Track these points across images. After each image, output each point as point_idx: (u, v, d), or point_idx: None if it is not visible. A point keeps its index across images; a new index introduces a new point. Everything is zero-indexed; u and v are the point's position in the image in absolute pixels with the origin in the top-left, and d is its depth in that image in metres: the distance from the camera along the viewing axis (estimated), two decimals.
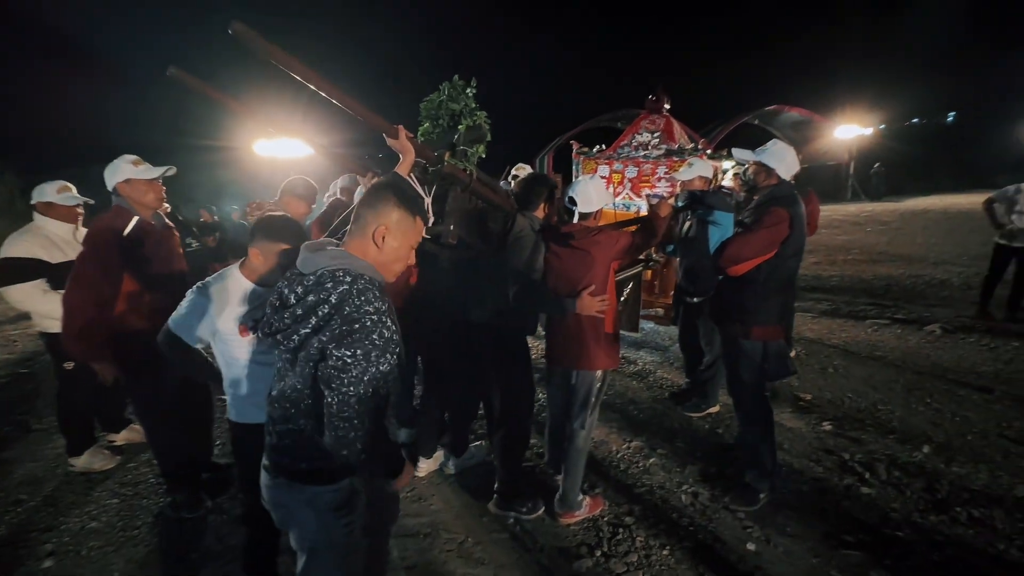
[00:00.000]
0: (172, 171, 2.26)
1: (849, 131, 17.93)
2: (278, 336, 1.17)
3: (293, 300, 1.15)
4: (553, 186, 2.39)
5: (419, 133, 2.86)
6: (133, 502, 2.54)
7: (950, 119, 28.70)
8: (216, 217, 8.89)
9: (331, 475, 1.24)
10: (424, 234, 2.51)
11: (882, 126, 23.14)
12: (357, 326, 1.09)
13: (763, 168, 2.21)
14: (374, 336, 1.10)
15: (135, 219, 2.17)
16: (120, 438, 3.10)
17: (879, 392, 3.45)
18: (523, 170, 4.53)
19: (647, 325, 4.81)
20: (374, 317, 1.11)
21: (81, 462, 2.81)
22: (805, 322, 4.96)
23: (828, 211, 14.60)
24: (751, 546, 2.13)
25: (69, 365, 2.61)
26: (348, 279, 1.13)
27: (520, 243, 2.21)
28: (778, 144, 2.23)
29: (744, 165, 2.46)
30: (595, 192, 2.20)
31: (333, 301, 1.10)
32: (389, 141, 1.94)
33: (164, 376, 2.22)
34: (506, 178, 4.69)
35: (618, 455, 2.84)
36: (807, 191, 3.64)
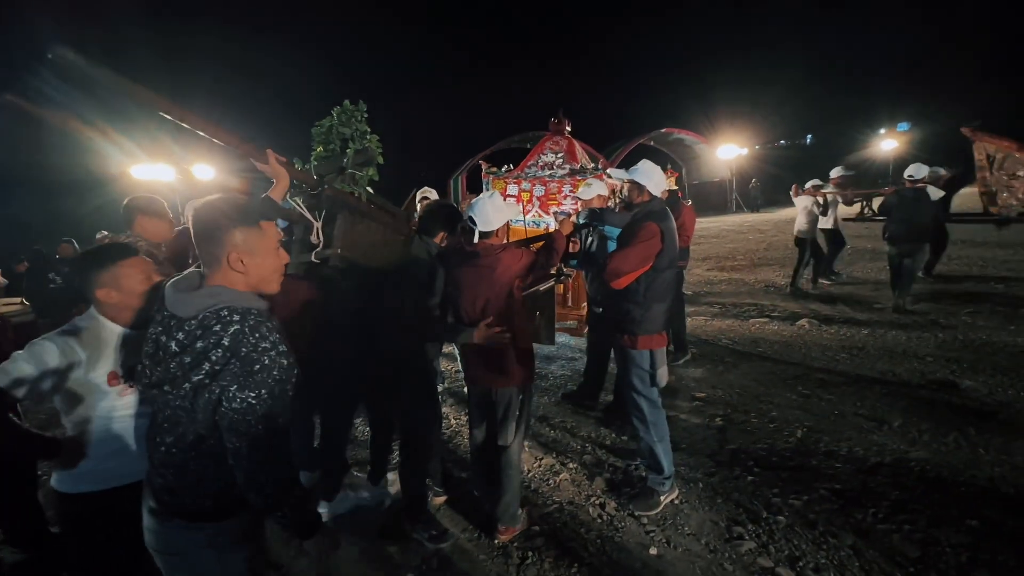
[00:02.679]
0: None
1: (730, 151, 20.28)
2: (164, 387, 1.09)
3: (175, 348, 1.06)
4: (452, 214, 2.38)
5: (312, 157, 2.77)
6: None
7: (809, 140, 33.61)
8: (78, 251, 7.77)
9: (235, 506, 1.16)
10: (314, 258, 2.41)
11: (757, 147, 26.38)
12: (258, 367, 1.05)
13: (635, 186, 2.36)
14: (275, 372, 1.07)
15: None
16: None
17: (762, 385, 3.80)
18: (430, 194, 4.53)
19: (561, 338, 4.93)
20: (271, 353, 1.08)
21: None
22: (700, 325, 5.38)
23: (716, 222, 16.22)
24: (653, 551, 2.19)
25: None
26: (236, 317, 1.06)
27: (414, 268, 2.15)
28: (647, 163, 2.40)
29: (621, 183, 2.62)
30: (493, 210, 2.21)
31: (226, 344, 1.04)
32: (259, 166, 1.84)
33: None
34: (413, 201, 4.64)
35: (529, 474, 2.82)
36: (680, 204, 3.98)
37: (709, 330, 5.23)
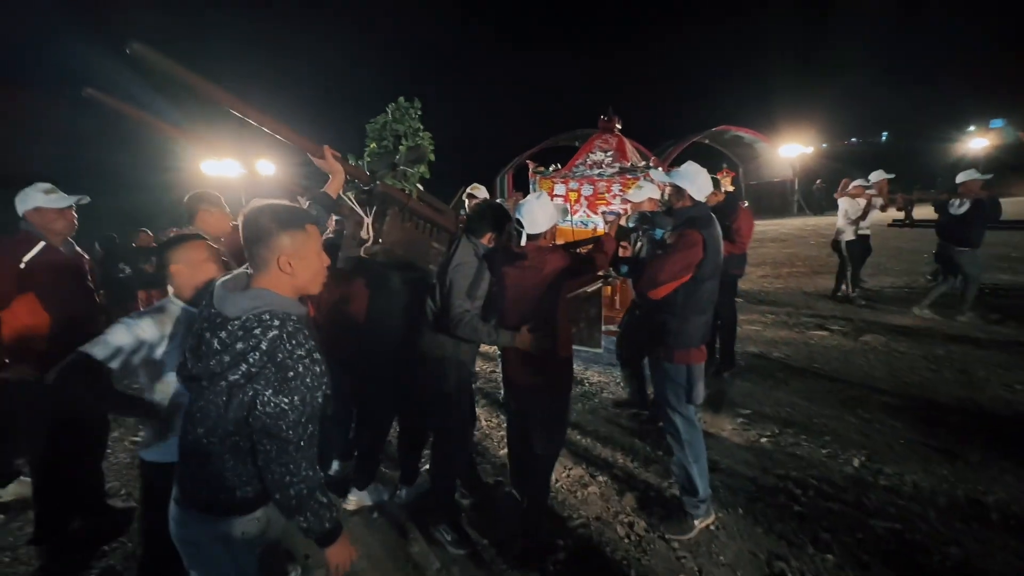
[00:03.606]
0: (85, 200, 2.34)
1: (792, 150, 19.05)
2: (202, 381, 1.14)
3: (217, 346, 1.11)
4: (501, 214, 2.32)
5: (366, 154, 2.87)
6: (8, 570, 2.25)
7: (883, 138, 30.99)
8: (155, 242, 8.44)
9: (249, 504, 1.20)
10: (363, 253, 2.47)
11: (823, 145, 24.67)
12: (291, 373, 1.09)
13: (676, 189, 2.22)
14: (307, 379, 1.12)
15: (40, 244, 2.22)
16: (8, 493, 2.78)
17: (816, 404, 3.51)
18: (478, 190, 4.44)
19: (608, 341, 4.81)
20: (306, 361, 1.12)
21: None
22: (751, 335, 5.07)
23: (775, 225, 15.30)
24: None
25: None
26: (276, 323, 1.11)
27: (461, 269, 2.14)
28: (691, 165, 2.25)
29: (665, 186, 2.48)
30: (541, 212, 2.16)
31: (264, 348, 1.09)
32: (316, 161, 1.90)
33: (59, 407, 2.19)
34: (460, 199, 4.62)
35: (556, 484, 2.74)
36: (738, 207, 3.74)
37: (760, 341, 4.91)
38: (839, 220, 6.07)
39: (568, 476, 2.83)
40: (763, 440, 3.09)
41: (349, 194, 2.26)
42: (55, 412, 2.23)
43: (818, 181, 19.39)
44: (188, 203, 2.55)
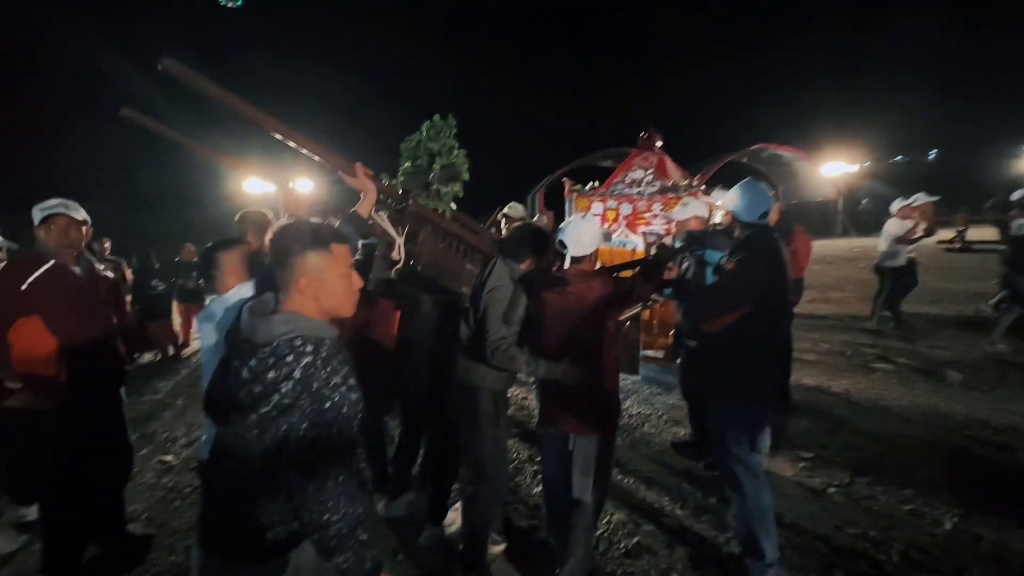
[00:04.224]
0: (79, 214, 2.19)
1: (836, 168, 18.30)
2: (230, 414, 1.05)
3: (247, 375, 1.04)
4: (544, 241, 2.16)
5: (400, 172, 2.79)
6: None
7: (931, 156, 29.56)
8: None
9: (280, 547, 1.10)
10: (393, 275, 2.34)
11: (867, 163, 23.67)
12: (328, 404, 1.03)
13: (730, 214, 2.01)
14: (344, 409, 1.06)
15: (49, 263, 2.09)
16: (32, 513, 2.72)
17: (888, 451, 3.12)
18: (514, 210, 4.31)
19: (646, 368, 4.52)
20: (342, 389, 1.06)
21: None
22: (803, 367, 4.66)
23: (820, 246, 14.57)
24: None
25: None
26: (310, 348, 1.04)
27: (496, 293, 1.97)
28: (744, 185, 2.03)
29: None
30: (587, 234, 1.99)
31: (298, 377, 1.01)
32: (347, 180, 1.82)
33: (70, 427, 2.10)
34: (496, 219, 4.49)
35: (597, 531, 2.47)
36: (793, 228, 3.45)
37: (816, 373, 4.51)
38: (882, 243, 5.61)
39: (609, 523, 2.55)
40: (831, 490, 2.73)
41: (382, 213, 2.18)
42: (72, 438, 2.13)
43: (864, 200, 18.53)
44: (238, 221, 2.55)
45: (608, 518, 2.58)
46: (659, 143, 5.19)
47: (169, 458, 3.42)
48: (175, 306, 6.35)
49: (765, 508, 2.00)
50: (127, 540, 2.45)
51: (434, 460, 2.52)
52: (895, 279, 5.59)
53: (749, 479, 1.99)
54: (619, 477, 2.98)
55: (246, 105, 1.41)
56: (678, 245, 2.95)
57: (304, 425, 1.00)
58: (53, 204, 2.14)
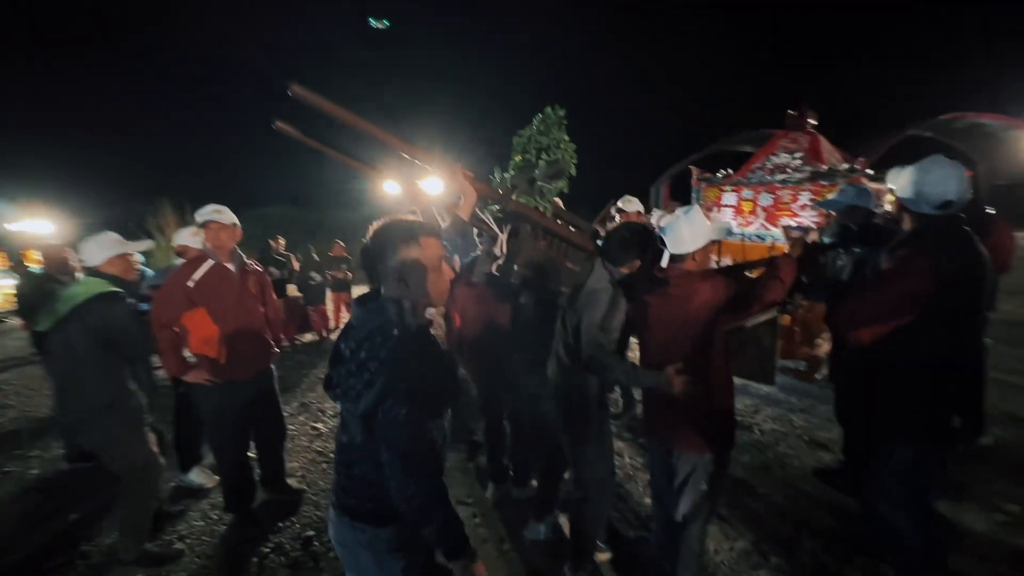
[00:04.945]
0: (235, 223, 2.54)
1: None
2: (338, 390, 1.20)
3: (347, 355, 1.17)
4: (646, 237, 1.94)
5: (511, 167, 2.90)
6: (215, 528, 2.67)
7: None
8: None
9: (391, 515, 1.20)
10: (494, 271, 2.42)
11: None
12: (406, 385, 1.09)
13: (897, 199, 1.62)
14: (427, 391, 1.12)
15: (208, 263, 2.46)
16: (192, 478, 3.20)
17: None
18: (630, 204, 3.97)
19: (783, 380, 4.00)
20: (424, 372, 1.13)
21: (186, 477, 3.08)
22: (1007, 391, 3.68)
23: None
24: None
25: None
26: (395, 333, 1.14)
27: (593, 297, 1.88)
28: (922, 166, 1.59)
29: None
30: (689, 231, 1.78)
31: (382, 356, 1.11)
32: (448, 183, 1.93)
33: (232, 397, 2.52)
34: (610, 214, 4.29)
35: (717, 558, 2.25)
36: (991, 218, 2.72)
37: (1022, 400, 3.52)
38: None
39: (732, 550, 2.30)
40: None
41: (486, 210, 2.27)
42: (238, 410, 2.56)
43: None
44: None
45: (731, 544, 2.33)
46: (812, 122, 4.49)
47: (320, 426, 3.97)
48: (328, 294, 7.39)
49: (937, 567, 1.61)
50: (286, 491, 2.91)
51: (542, 458, 2.52)
52: None
53: (917, 536, 1.59)
54: (746, 500, 2.67)
55: (362, 121, 1.58)
56: (827, 240, 2.54)
57: (389, 401, 1.08)
58: (207, 212, 2.46)
